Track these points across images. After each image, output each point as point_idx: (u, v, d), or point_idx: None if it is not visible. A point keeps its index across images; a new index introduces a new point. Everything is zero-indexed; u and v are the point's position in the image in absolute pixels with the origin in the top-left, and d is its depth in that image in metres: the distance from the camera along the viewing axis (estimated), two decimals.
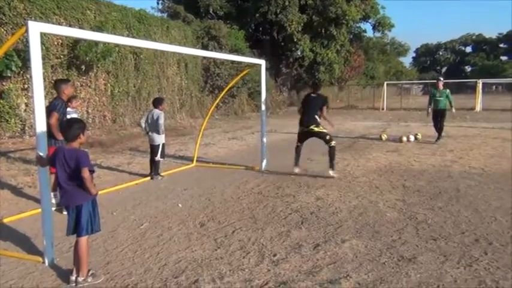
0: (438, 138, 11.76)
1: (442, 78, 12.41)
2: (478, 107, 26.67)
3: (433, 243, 4.15)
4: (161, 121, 7.34)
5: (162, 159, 7.60)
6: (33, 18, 10.83)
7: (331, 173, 7.32)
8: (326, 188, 6.57)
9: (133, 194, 6.43)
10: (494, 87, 59.10)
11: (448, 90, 11.77)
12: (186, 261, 3.80)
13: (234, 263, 3.77)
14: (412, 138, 12.10)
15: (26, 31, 3.56)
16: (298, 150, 7.81)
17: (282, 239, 4.34)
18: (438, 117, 11.80)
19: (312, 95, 7.66)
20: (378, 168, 8.18)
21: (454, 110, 11.92)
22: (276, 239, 4.35)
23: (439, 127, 11.81)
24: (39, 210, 4.20)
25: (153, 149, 7.49)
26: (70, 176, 3.32)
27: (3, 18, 10.52)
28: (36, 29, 3.61)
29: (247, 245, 4.19)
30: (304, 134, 7.61)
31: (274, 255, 3.92)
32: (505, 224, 4.73)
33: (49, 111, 5.19)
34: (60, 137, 4.91)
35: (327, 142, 7.31)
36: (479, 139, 12.36)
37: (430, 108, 11.94)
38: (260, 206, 5.61)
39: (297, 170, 7.71)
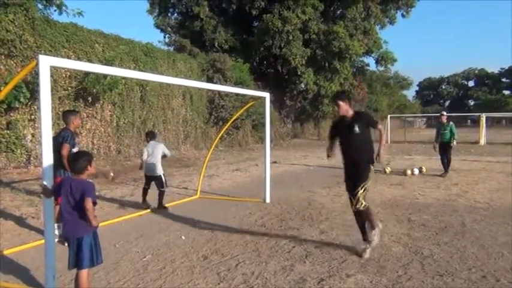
0: (446, 171, 11.81)
1: (445, 113, 12.58)
2: (482, 141, 26.66)
3: (440, 280, 4.08)
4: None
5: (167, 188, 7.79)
6: (42, 51, 11.08)
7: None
8: (330, 222, 6.51)
9: (136, 226, 6.39)
10: (504, 121, 59.16)
11: (451, 123, 11.92)
12: None
13: None
14: (416, 171, 12.07)
15: (37, 65, 3.65)
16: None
17: (285, 273, 4.28)
18: (444, 150, 11.91)
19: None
20: (382, 202, 8.13)
21: (455, 143, 11.96)
22: (280, 273, 4.29)
23: (446, 160, 11.88)
24: (42, 241, 4.19)
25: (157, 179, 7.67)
26: (74, 206, 3.33)
27: (14, 51, 10.77)
28: (46, 62, 3.69)
29: (251, 279, 4.13)
30: None
31: None
32: None
33: (59, 142, 5.28)
34: None
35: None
36: (484, 173, 12.31)
37: (436, 144, 12.09)
38: (264, 239, 5.56)
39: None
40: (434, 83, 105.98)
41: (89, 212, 3.28)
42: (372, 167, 4.88)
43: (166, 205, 7.71)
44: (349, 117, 5.02)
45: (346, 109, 5.01)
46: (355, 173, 4.87)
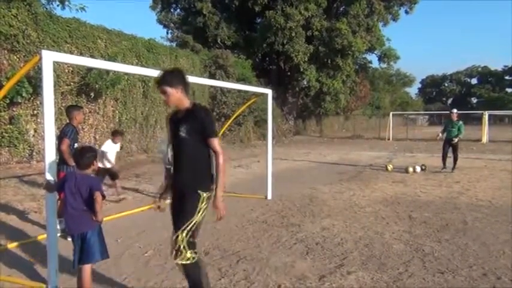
0: (453, 167, 11.97)
1: (455, 110, 12.57)
2: (485, 139, 26.60)
3: (441, 277, 4.09)
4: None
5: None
6: (45, 46, 11.08)
7: None
8: (331, 218, 6.52)
9: (138, 221, 6.41)
10: (506, 119, 59.10)
11: (460, 122, 12.04)
12: None
13: None
14: (418, 168, 12.07)
15: (40, 60, 3.66)
16: None
17: (286, 269, 4.30)
18: (449, 147, 12.05)
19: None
20: (384, 199, 8.14)
21: (456, 139, 11.94)
22: (281, 269, 4.30)
23: (453, 157, 12.00)
24: (45, 236, 4.20)
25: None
26: (79, 201, 3.34)
27: (17, 46, 10.78)
28: (49, 58, 3.69)
29: (252, 275, 4.15)
30: None
31: (279, 286, 3.88)
32: None
33: (60, 137, 5.30)
34: (71, 162, 4.97)
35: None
36: (486, 171, 12.29)
37: (443, 135, 12.35)
38: (265, 235, 5.57)
39: None
40: (437, 81, 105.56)
41: (98, 204, 3.32)
42: (203, 196, 3.20)
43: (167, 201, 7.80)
44: (182, 112, 3.18)
45: (178, 98, 3.12)
46: (179, 203, 3.30)
